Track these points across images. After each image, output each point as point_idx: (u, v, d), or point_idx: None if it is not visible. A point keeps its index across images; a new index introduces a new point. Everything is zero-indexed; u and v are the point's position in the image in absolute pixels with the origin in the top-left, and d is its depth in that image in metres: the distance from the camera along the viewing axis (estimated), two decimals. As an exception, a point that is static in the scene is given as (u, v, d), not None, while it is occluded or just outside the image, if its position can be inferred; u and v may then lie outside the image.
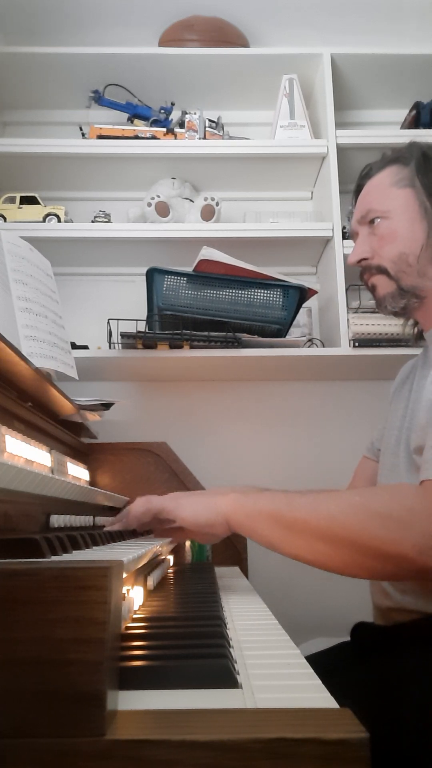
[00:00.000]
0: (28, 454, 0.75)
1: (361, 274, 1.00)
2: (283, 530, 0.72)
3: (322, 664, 0.89)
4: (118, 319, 1.53)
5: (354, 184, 1.03)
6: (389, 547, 0.63)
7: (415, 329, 1.04)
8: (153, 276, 1.50)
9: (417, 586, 0.81)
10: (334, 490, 0.96)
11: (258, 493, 0.80)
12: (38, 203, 1.66)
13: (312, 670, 0.40)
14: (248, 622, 0.59)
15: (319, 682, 0.37)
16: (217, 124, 1.76)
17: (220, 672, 0.37)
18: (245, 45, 1.83)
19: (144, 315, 1.57)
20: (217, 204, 1.66)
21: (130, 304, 1.69)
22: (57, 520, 0.79)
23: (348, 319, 1.55)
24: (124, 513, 0.94)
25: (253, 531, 0.76)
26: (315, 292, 1.60)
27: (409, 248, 0.90)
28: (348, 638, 0.98)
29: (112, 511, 1.07)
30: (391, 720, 0.65)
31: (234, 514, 0.77)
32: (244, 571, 1.32)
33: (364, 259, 0.96)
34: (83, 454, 1.33)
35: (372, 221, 0.95)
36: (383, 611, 0.89)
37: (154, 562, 0.85)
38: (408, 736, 0.63)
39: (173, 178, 1.75)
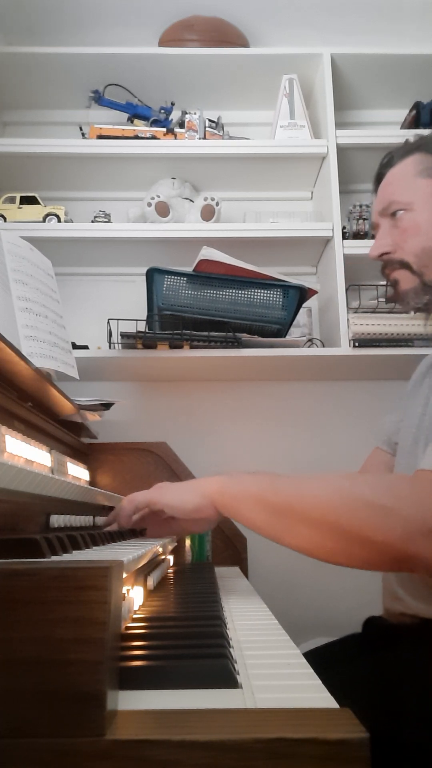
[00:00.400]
0: (28, 454, 0.75)
1: (382, 269, 0.97)
2: (267, 513, 0.69)
3: (329, 655, 0.89)
4: (118, 319, 1.54)
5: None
6: (375, 535, 0.60)
7: None
8: (153, 276, 1.50)
9: (428, 591, 0.79)
10: (322, 473, 0.95)
11: (246, 474, 0.77)
12: (38, 203, 1.66)
13: (312, 670, 0.40)
14: (248, 622, 0.59)
15: (319, 682, 0.37)
16: (217, 124, 1.76)
17: (220, 672, 0.37)
18: (245, 45, 1.83)
19: (144, 315, 1.57)
20: (217, 204, 1.66)
21: (130, 304, 1.69)
22: (57, 520, 0.79)
23: (348, 319, 1.55)
24: (115, 514, 0.95)
25: (239, 513, 0.74)
26: (315, 292, 1.60)
27: None
28: (352, 632, 0.98)
29: (112, 510, 1.07)
30: (393, 715, 0.64)
31: (220, 496, 0.76)
32: (244, 571, 1.32)
33: (386, 253, 0.93)
34: (83, 454, 1.33)
35: (394, 213, 0.91)
36: (394, 616, 0.87)
37: (154, 562, 0.85)
38: (409, 732, 0.63)
39: (173, 178, 1.75)
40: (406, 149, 0.93)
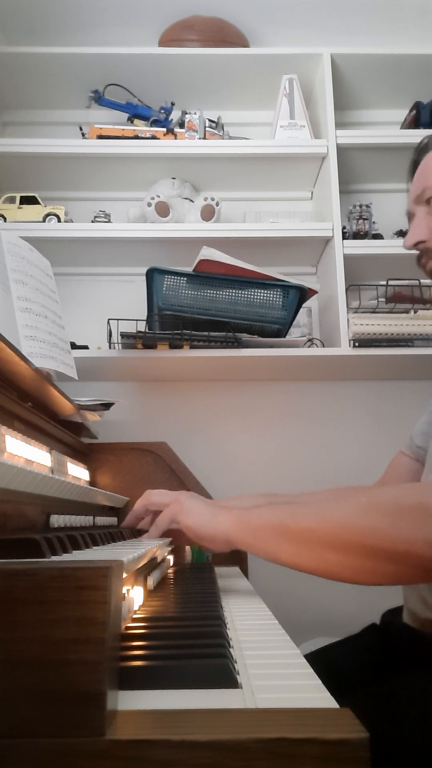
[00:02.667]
0: (28, 454, 0.75)
1: (418, 259, 0.93)
2: (289, 543, 0.68)
3: (331, 660, 0.88)
4: (118, 319, 1.54)
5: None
6: (401, 547, 0.59)
7: None
8: (153, 276, 1.50)
9: None
10: (339, 493, 0.93)
11: (260, 507, 0.76)
12: (38, 203, 1.66)
13: (312, 670, 0.40)
14: (248, 622, 0.59)
15: (319, 682, 0.37)
16: (217, 124, 1.76)
17: (220, 672, 0.37)
18: (245, 45, 1.83)
19: (144, 315, 1.57)
20: (217, 204, 1.66)
21: (130, 304, 1.69)
22: (57, 520, 0.79)
23: (348, 319, 1.55)
24: (136, 512, 0.94)
25: (258, 548, 0.73)
26: (315, 292, 1.60)
27: None
28: (353, 633, 0.96)
29: (112, 511, 1.07)
30: (394, 719, 0.64)
31: (237, 532, 0.75)
32: (244, 571, 1.32)
33: (422, 241, 0.89)
34: (83, 454, 1.33)
35: (429, 200, 0.87)
36: (420, 621, 0.85)
37: (154, 562, 0.85)
38: (410, 735, 0.62)
39: (173, 178, 1.75)
40: None
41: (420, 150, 0.91)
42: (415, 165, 0.92)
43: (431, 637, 0.81)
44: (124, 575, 0.48)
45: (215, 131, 1.75)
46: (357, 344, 1.54)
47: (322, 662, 0.68)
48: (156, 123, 1.75)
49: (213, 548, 0.78)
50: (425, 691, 0.65)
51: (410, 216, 0.92)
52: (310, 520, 0.67)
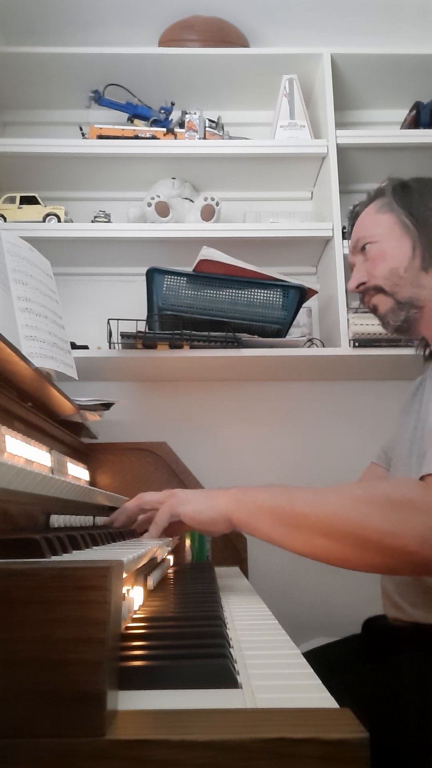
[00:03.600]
0: (28, 454, 0.75)
1: (361, 300, 1.07)
2: (284, 526, 0.72)
3: (328, 657, 0.90)
4: (118, 319, 1.54)
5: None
6: (390, 540, 0.63)
7: (426, 350, 1.08)
8: (153, 276, 1.50)
9: (428, 600, 0.81)
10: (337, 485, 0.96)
11: (258, 488, 0.79)
12: (38, 203, 1.66)
13: (312, 670, 0.40)
14: (248, 622, 0.59)
15: (319, 682, 0.37)
16: (217, 124, 1.76)
17: (220, 672, 0.37)
18: (245, 45, 1.83)
19: (144, 315, 1.57)
20: (217, 204, 1.66)
21: (130, 304, 1.69)
22: (57, 520, 0.79)
23: (348, 319, 1.55)
24: (121, 511, 0.95)
25: (255, 528, 0.75)
26: (315, 292, 1.60)
27: (398, 263, 0.96)
28: (352, 633, 0.98)
29: (112, 511, 1.07)
30: (392, 718, 0.64)
31: (235, 511, 0.77)
32: (244, 571, 1.32)
33: (362, 283, 1.03)
34: (83, 454, 1.33)
35: (363, 248, 1.02)
36: (394, 622, 0.89)
37: (154, 562, 0.85)
38: (408, 734, 0.63)
39: (173, 178, 1.75)
40: (368, 199, 1.06)
41: (353, 216, 1.09)
42: (351, 227, 1.09)
43: (403, 632, 0.85)
44: (124, 575, 0.48)
45: (215, 131, 1.75)
46: (357, 344, 1.54)
47: (321, 661, 0.69)
48: (156, 123, 1.75)
49: (215, 530, 0.80)
50: (422, 689, 0.66)
51: (351, 267, 1.06)
52: (305, 505, 0.70)
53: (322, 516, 0.68)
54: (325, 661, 0.81)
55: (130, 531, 0.94)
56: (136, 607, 0.58)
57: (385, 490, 0.68)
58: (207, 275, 1.50)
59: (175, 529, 0.95)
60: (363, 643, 0.96)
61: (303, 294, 1.54)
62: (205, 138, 1.71)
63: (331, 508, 0.68)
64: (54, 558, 0.49)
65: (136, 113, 1.77)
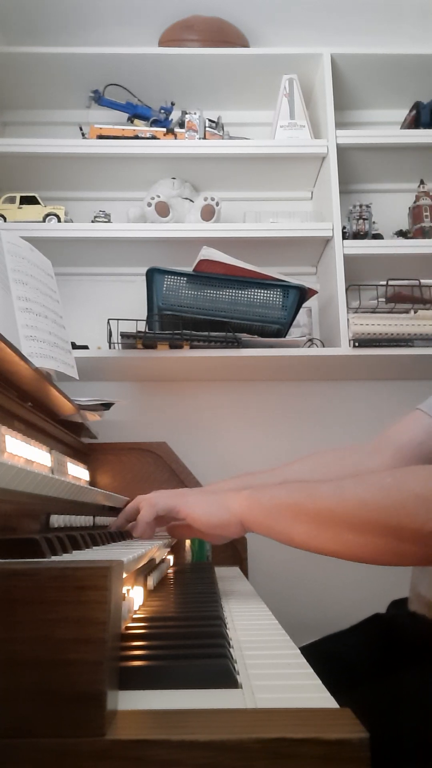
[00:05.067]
0: (28, 454, 0.75)
1: None
2: (306, 524, 0.66)
3: (337, 651, 0.86)
4: (118, 319, 1.54)
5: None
6: (427, 528, 0.57)
7: None
8: (153, 276, 1.50)
9: None
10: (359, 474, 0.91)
11: (273, 487, 0.73)
12: (38, 203, 1.66)
13: (312, 670, 0.40)
14: (248, 622, 0.59)
15: (319, 682, 0.37)
16: (217, 124, 1.76)
17: (220, 672, 0.37)
18: (245, 45, 1.83)
19: (144, 315, 1.57)
20: (217, 204, 1.66)
21: (130, 304, 1.69)
22: (57, 520, 0.79)
23: (348, 319, 1.55)
24: (127, 514, 0.93)
25: (272, 528, 0.70)
26: (315, 292, 1.61)
27: None
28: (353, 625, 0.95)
29: (112, 511, 1.07)
30: (397, 716, 0.64)
31: (250, 513, 0.72)
32: (244, 571, 1.32)
33: None
34: (83, 454, 1.33)
35: None
36: (430, 606, 0.83)
37: (154, 562, 0.85)
38: (412, 732, 0.62)
39: (173, 178, 1.75)
40: None
41: None
42: None
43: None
44: (124, 575, 0.48)
45: (215, 131, 1.75)
46: (357, 344, 1.54)
47: (324, 653, 0.67)
48: (156, 123, 1.75)
49: (226, 534, 0.76)
50: (428, 688, 0.64)
51: None
52: (329, 499, 0.64)
53: (350, 508, 0.62)
54: (335, 659, 0.78)
55: (130, 531, 0.94)
56: (136, 607, 0.58)
57: (419, 477, 0.62)
58: (207, 275, 1.50)
59: (181, 531, 0.93)
60: (379, 633, 0.92)
61: (303, 294, 1.54)
62: (205, 138, 1.71)
63: (360, 499, 0.62)
64: (54, 558, 0.49)
65: (136, 113, 1.77)
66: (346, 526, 0.63)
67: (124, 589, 0.56)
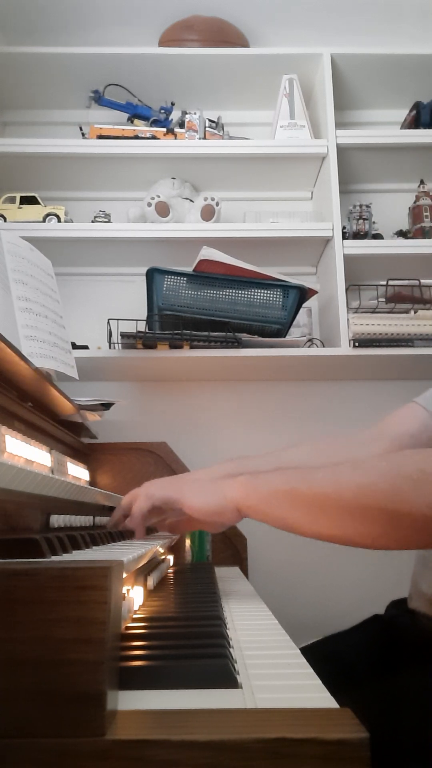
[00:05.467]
0: (28, 454, 0.75)
1: None
2: (302, 509, 0.65)
3: (338, 651, 0.86)
4: (118, 319, 1.54)
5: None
6: (426, 511, 0.57)
7: None
8: (153, 276, 1.50)
9: None
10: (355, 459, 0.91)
11: (270, 472, 0.73)
12: (38, 203, 1.66)
13: (312, 670, 0.40)
14: (248, 622, 0.59)
15: (319, 682, 0.37)
16: (217, 124, 1.76)
17: (220, 672, 0.37)
18: (245, 45, 1.83)
19: (144, 315, 1.57)
20: (217, 204, 1.66)
21: (130, 304, 1.69)
22: (57, 520, 0.79)
23: (348, 319, 1.55)
24: (122, 510, 0.93)
25: (268, 514, 0.69)
26: (315, 292, 1.61)
27: None
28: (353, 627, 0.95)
29: (112, 511, 1.07)
30: (397, 716, 0.63)
31: (246, 499, 0.72)
32: (244, 571, 1.32)
33: None
34: (83, 454, 1.33)
35: None
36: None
37: (154, 562, 0.85)
38: (412, 732, 0.62)
39: (173, 178, 1.75)
40: None
41: None
42: None
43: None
44: (124, 575, 0.48)
45: (215, 131, 1.75)
46: (357, 344, 1.54)
47: (324, 654, 0.67)
48: (156, 123, 1.75)
49: (222, 521, 0.75)
50: (429, 686, 0.64)
51: None
52: (325, 484, 0.64)
53: (347, 493, 0.61)
54: (335, 659, 0.78)
55: (130, 531, 0.94)
56: (136, 607, 0.58)
57: (417, 461, 0.62)
58: (207, 275, 1.50)
59: (182, 526, 0.93)
60: (379, 633, 0.91)
61: (303, 294, 1.54)
62: (205, 138, 1.71)
63: (357, 484, 0.61)
64: (54, 558, 0.49)
65: (136, 113, 1.77)
66: (342, 510, 0.62)
67: (124, 589, 0.56)
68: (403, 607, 0.90)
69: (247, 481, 0.73)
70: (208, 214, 1.67)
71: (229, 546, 1.37)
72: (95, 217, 1.69)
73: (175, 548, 1.28)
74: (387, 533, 0.61)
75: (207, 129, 1.73)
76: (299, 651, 0.46)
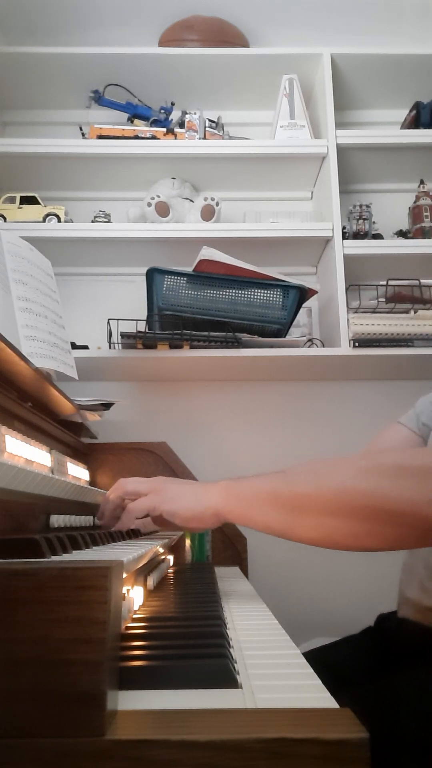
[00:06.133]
0: (28, 454, 0.75)
1: None
2: (283, 512, 0.65)
3: (333, 660, 0.87)
4: (118, 319, 1.54)
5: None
6: (404, 507, 0.57)
7: None
8: (153, 276, 1.50)
9: None
10: (333, 459, 0.92)
11: (250, 477, 0.73)
12: (38, 203, 1.66)
13: (312, 670, 0.40)
14: (248, 622, 0.59)
15: (319, 682, 0.37)
16: (217, 124, 1.76)
17: (220, 672, 0.37)
18: (245, 45, 1.83)
19: (144, 315, 1.57)
20: (217, 204, 1.66)
21: (130, 304, 1.69)
22: (57, 520, 0.79)
23: (348, 319, 1.55)
24: (104, 506, 0.92)
25: (249, 518, 0.70)
26: (315, 292, 1.60)
27: None
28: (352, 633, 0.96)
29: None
30: (394, 716, 0.64)
31: (227, 504, 0.71)
32: (244, 571, 1.32)
33: None
34: (83, 454, 1.33)
35: None
36: (419, 610, 0.83)
37: (154, 562, 0.85)
38: (410, 732, 0.62)
39: (173, 178, 1.75)
40: None
41: None
42: None
43: (429, 626, 0.80)
44: (124, 575, 0.48)
45: (215, 131, 1.75)
46: (357, 344, 1.54)
47: (319, 661, 0.67)
48: (156, 123, 1.75)
49: (201, 526, 0.75)
50: (425, 688, 0.64)
51: None
52: (306, 486, 0.64)
53: (328, 493, 0.62)
54: (329, 666, 0.79)
55: (130, 531, 0.93)
56: (136, 607, 0.58)
57: (394, 458, 0.63)
58: (207, 275, 1.50)
59: (168, 525, 0.92)
60: (372, 644, 0.93)
61: (303, 294, 1.54)
62: (205, 138, 1.71)
63: (336, 483, 0.62)
64: (54, 558, 0.49)
65: (136, 113, 1.77)
66: (324, 511, 0.62)
67: (124, 589, 0.56)
68: (392, 618, 0.90)
69: (228, 486, 0.73)
70: (208, 214, 1.67)
71: (229, 546, 1.37)
72: (95, 217, 1.69)
73: (175, 548, 1.28)
74: (369, 532, 0.61)
75: (207, 129, 1.73)
76: (299, 651, 0.46)
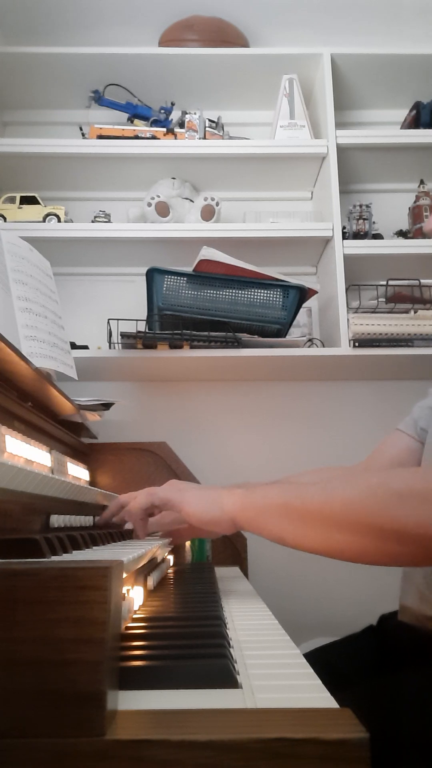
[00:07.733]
0: (28, 454, 0.75)
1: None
2: (295, 523, 0.67)
3: (334, 660, 0.87)
4: (118, 319, 1.54)
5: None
6: (411, 528, 0.58)
7: None
8: (153, 276, 1.50)
9: None
10: (346, 472, 0.92)
11: (265, 486, 0.75)
12: (38, 203, 1.66)
13: (312, 670, 0.40)
14: (248, 622, 0.59)
15: (319, 682, 0.37)
16: (217, 124, 1.76)
17: (220, 672, 0.37)
18: (245, 45, 1.83)
19: (144, 315, 1.57)
20: (217, 204, 1.66)
21: (130, 304, 1.69)
22: (57, 520, 0.79)
23: (348, 319, 1.55)
24: (119, 503, 0.94)
25: (263, 527, 0.71)
26: (315, 292, 1.60)
27: None
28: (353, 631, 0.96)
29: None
30: (393, 716, 0.64)
31: (241, 512, 0.74)
32: (244, 571, 1.32)
33: None
34: (83, 454, 1.33)
35: None
36: (417, 617, 0.85)
37: (154, 562, 0.85)
38: (410, 732, 0.62)
39: (173, 178, 1.75)
40: None
41: None
42: None
43: (429, 633, 0.81)
44: (124, 575, 0.48)
45: (215, 131, 1.75)
46: (357, 344, 1.54)
47: (320, 661, 0.68)
48: (156, 123, 1.75)
49: (218, 530, 0.77)
50: (424, 689, 0.64)
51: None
52: (317, 499, 0.66)
53: (337, 508, 0.63)
54: (330, 666, 0.79)
55: (130, 531, 0.94)
56: (136, 607, 0.58)
57: (403, 477, 0.64)
58: (207, 275, 1.50)
59: (181, 534, 0.94)
60: (373, 643, 0.93)
61: (303, 294, 1.54)
62: (205, 138, 1.71)
63: (346, 499, 0.63)
64: (54, 558, 0.49)
65: (136, 113, 1.77)
66: (332, 525, 0.64)
67: (124, 589, 0.56)
68: (393, 620, 0.91)
69: (245, 494, 0.75)
70: (208, 214, 1.67)
71: (229, 546, 1.37)
72: (95, 217, 1.69)
73: (175, 548, 1.28)
74: (375, 548, 0.62)
75: (207, 129, 1.73)
76: (299, 651, 0.46)
